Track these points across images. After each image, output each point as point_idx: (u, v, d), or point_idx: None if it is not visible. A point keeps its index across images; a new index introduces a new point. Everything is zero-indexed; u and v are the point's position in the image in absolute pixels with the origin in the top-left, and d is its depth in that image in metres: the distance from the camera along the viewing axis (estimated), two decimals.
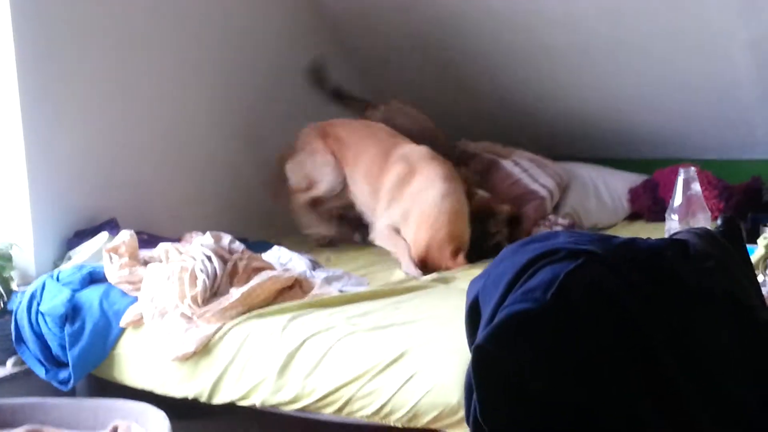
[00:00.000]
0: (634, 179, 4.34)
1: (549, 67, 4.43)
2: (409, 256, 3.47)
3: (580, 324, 1.31)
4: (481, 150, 4.32)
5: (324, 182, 3.95)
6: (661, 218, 3.99)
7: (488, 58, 4.52)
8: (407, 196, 3.65)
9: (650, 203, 4.17)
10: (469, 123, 4.77)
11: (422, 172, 3.68)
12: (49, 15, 3.52)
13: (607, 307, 1.32)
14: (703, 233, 1.52)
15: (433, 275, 3.42)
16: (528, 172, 4.07)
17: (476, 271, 3.33)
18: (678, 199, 2.40)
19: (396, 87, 4.89)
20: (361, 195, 3.90)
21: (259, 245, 3.93)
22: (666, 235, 2.42)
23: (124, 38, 3.81)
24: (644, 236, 3.70)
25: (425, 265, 3.51)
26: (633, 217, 4.26)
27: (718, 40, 3.85)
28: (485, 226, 3.63)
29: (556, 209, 4.03)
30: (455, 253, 3.52)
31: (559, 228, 3.72)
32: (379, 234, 3.65)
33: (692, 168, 2.44)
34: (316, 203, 4.02)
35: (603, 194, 4.22)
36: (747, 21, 3.75)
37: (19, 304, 3.23)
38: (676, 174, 4.07)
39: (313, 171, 3.99)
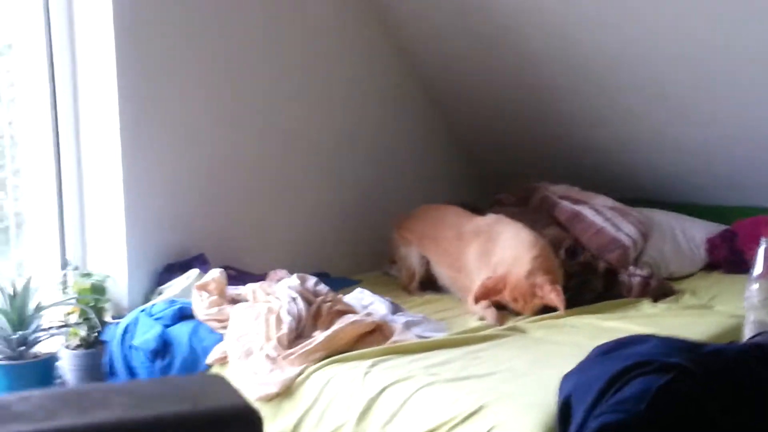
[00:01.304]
0: (712, 228, 4.34)
1: (627, 110, 4.45)
2: (496, 318, 3.54)
3: None
4: (560, 194, 4.36)
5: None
6: (739, 270, 4.04)
7: (569, 99, 4.57)
8: (498, 251, 3.74)
9: (728, 254, 4.17)
10: (547, 164, 4.83)
11: (503, 232, 3.79)
12: (150, 54, 3.68)
13: (696, 421, 1.38)
14: None
15: (509, 323, 3.48)
16: (611, 221, 4.11)
17: (564, 322, 3.42)
18: (759, 267, 2.44)
19: (478, 134, 4.99)
20: (445, 279, 4.03)
21: (339, 281, 4.07)
22: (745, 305, 2.46)
23: (220, 75, 3.95)
24: (721, 288, 3.79)
25: (517, 298, 3.58)
26: (710, 267, 4.25)
27: None
28: (586, 282, 3.71)
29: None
30: (553, 283, 3.58)
31: (637, 278, 3.75)
32: (471, 303, 3.71)
33: None
34: None
35: (681, 243, 4.23)
36: None
37: (113, 336, 3.37)
38: (755, 225, 4.14)
39: (406, 261, 4.16)
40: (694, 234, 4.29)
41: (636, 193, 4.63)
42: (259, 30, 4.07)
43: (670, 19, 3.84)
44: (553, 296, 3.49)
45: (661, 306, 3.65)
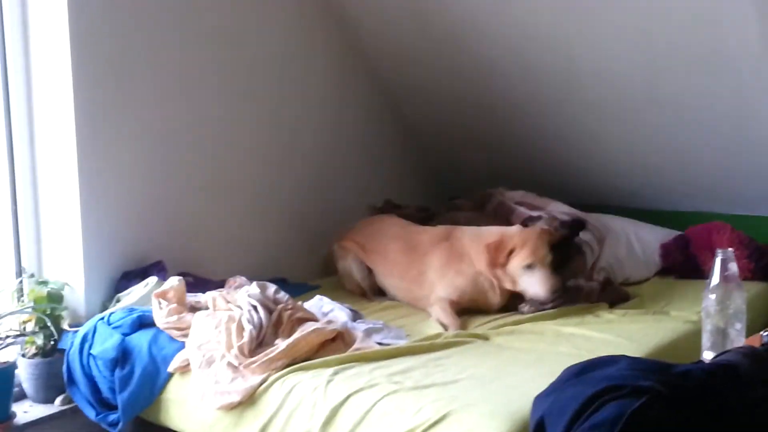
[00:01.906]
0: (666, 234, 4.41)
1: (583, 119, 4.51)
2: (457, 325, 3.57)
3: None
4: (517, 200, 4.40)
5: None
6: (692, 275, 4.12)
7: (524, 109, 4.62)
8: (471, 244, 3.83)
9: (681, 260, 4.24)
10: (503, 172, 4.87)
11: (466, 231, 3.87)
12: (106, 61, 3.64)
13: None
14: (749, 353, 1.61)
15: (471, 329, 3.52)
16: None
17: (524, 329, 3.46)
18: (716, 279, 2.48)
19: (435, 134, 5.02)
20: (395, 289, 4.07)
21: (298, 287, 4.07)
22: (702, 314, 2.51)
23: (176, 85, 3.92)
24: (675, 293, 3.85)
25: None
26: (664, 272, 4.31)
27: (751, 102, 3.92)
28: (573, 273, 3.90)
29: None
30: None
31: (594, 284, 3.80)
32: (435, 308, 3.73)
33: (730, 249, 2.53)
34: None
35: (635, 248, 4.29)
36: None
37: (71, 345, 3.34)
38: (707, 231, 4.22)
39: (347, 273, 4.21)
40: (648, 239, 4.35)
41: (590, 198, 4.69)
42: (215, 32, 4.05)
43: (628, 29, 3.90)
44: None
45: (618, 312, 3.70)
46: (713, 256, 4.12)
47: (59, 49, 3.51)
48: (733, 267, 2.52)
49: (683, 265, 4.23)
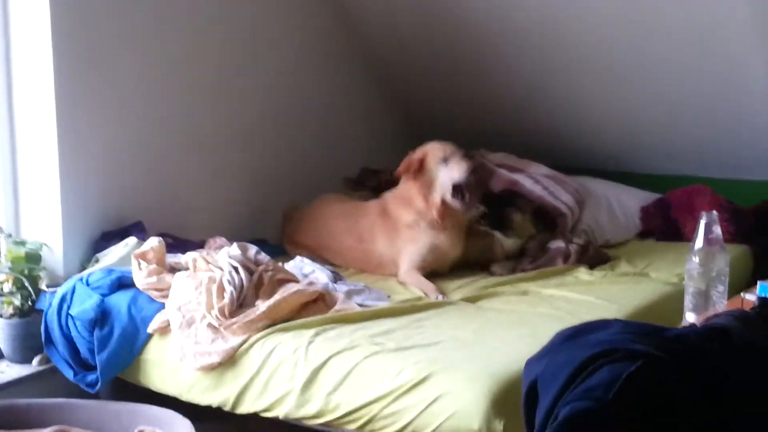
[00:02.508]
0: (646, 197, 4.41)
1: (567, 81, 4.49)
2: (435, 289, 3.57)
3: (637, 425, 1.39)
4: (497, 162, 4.39)
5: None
6: (672, 238, 4.14)
7: (508, 69, 4.59)
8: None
9: (661, 223, 4.25)
10: (483, 133, 4.84)
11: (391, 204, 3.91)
12: (88, 16, 3.57)
13: (662, 410, 1.41)
14: (741, 316, 1.61)
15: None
16: (548, 190, 4.15)
17: (504, 290, 3.46)
18: (699, 242, 2.48)
19: (415, 94, 4.99)
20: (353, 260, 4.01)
21: (278, 249, 4.05)
22: (686, 276, 2.51)
23: (160, 43, 3.86)
24: (655, 256, 3.87)
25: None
26: (644, 234, 4.32)
27: (736, 69, 3.93)
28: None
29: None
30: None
31: (574, 246, 3.81)
32: (406, 276, 3.73)
33: (714, 212, 2.52)
34: None
35: (616, 211, 4.30)
36: (763, 53, 3.83)
37: (49, 306, 3.31)
38: (688, 195, 4.23)
39: None
40: (628, 202, 4.36)
41: (571, 161, 4.68)
42: None
43: None
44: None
45: (598, 273, 3.72)
46: (694, 219, 4.17)
47: (40, 6, 3.44)
48: (717, 230, 2.52)
49: (663, 228, 4.24)
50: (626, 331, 1.52)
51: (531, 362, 1.59)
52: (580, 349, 1.46)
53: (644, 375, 1.39)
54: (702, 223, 2.51)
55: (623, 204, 4.34)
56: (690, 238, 4.07)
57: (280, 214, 4.38)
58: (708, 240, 2.51)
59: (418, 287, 3.60)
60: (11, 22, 3.54)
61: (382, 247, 3.84)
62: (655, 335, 1.50)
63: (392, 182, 4.40)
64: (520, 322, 3.10)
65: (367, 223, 3.92)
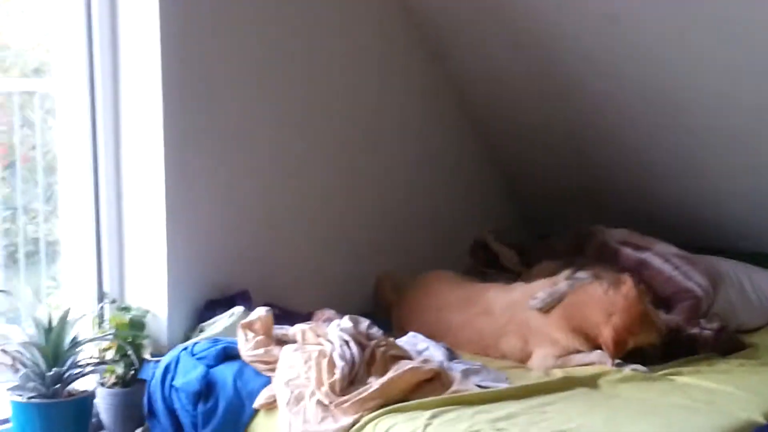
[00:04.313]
0: None
1: (689, 149, 4.25)
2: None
3: None
4: (619, 239, 4.15)
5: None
6: None
7: (628, 140, 4.39)
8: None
9: None
10: (598, 211, 4.62)
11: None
12: (197, 77, 3.55)
13: None
14: None
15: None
16: (680, 269, 3.88)
17: (633, 377, 3.20)
18: None
19: (525, 164, 4.82)
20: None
21: (385, 323, 3.87)
22: None
23: (264, 110, 3.80)
24: None
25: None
26: None
27: None
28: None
29: None
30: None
31: (708, 332, 3.54)
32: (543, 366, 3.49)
33: None
34: None
35: (749, 293, 4.00)
36: None
37: (152, 376, 3.20)
38: None
39: None
40: (762, 284, 4.06)
41: (697, 240, 4.41)
42: (302, 64, 3.93)
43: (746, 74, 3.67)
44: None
45: (734, 361, 3.43)
46: None
47: (149, 61, 3.44)
48: None
49: None
50: None
51: None
52: None
53: None
54: None
55: (756, 286, 4.03)
56: None
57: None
58: None
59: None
60: (121, 85, 3.51)
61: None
62: None
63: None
64: (653, 412, 2.85)
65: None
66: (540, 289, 3.60)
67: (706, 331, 3.54)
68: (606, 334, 3.29)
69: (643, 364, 3.30)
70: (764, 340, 3.74)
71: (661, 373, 3.28)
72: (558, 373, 3.31)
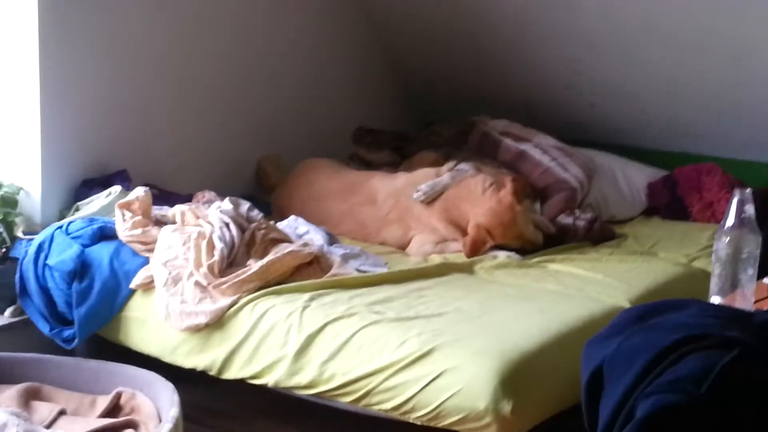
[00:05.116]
0: (653, 173, 4.23)
1: (573, 49, 4.30)
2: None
3: (732, 423, 1.21)
4: (501, 130, 4.20)
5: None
6: (677, 216, 4.00)
7: (512, 34, 4.39)
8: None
9: (668, 200, 4.08)
10: (483, 99, 4.65)
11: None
12: None
13: (760, 404, 1.22)
14: None
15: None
16: (557, 161, 3.96)
17: (508, 263, 3.27)
18: (731, 219, 2.30)
19: (422, 63, 4.79)
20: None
21: (266, 206, 3.85)
22: (713, 257, 2.33)
23: None
24: (662, 234, 3.72)
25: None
26: (649, 211, 4.15)
27: (749, 43, 3.78)
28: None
29: None
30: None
31: (581, 222, 3.64)
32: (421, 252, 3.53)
33: (748, 189, 2.33)
34: None
35: (622, 186, 4.12)
36: None
37: (25, 254, 3.11)
38: (696, 173, 4.07)
39: None
40: (635, 177, 4.18)
41: (576, 133, 4.49)
42: None
43: None
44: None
45: (604, 250, 3.55)
46: (701, 197, 4.08)
47: None
48: (750, 209, 2.34)
49: (669, 205, 4.07)
50: (708, 314, 1.33)
51: (593, 345, 1.40)
52: (656, 332, 1.27)
53: (741, 366, 1.21)
54: (734, 200, 2.32)
55: (630, 179, 4.15)
56: (696, 217, 4.03)
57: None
58: (740, 219, 2.34)
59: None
60: None
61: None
62: (743, 320, 1.32)
63: (387, 142, 4.23)
64: (526, 297, 2.93)
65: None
66: (423, 180, 3.63)
67: (579, 221, 3.64)
68: (468, 232, 3.37)
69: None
70: (634, 230, 3.88)
71: (535, 260, 3.37)
72: (436, 259, 3.38)
